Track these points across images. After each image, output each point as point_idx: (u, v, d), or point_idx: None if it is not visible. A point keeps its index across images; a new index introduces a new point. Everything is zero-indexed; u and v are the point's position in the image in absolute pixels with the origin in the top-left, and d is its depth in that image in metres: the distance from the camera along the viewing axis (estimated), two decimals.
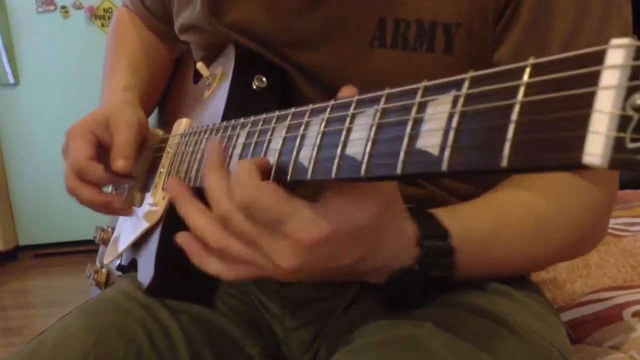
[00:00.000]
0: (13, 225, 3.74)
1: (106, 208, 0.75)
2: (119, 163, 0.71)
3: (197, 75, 0.84)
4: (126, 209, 0.77)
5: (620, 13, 0.60)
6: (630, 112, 0.25)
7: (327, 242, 0.44)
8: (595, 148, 0.25)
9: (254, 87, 0.68)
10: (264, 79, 0.68)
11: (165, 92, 0.97)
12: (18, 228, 3.75)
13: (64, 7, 3.51)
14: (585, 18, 0.58)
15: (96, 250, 0.98)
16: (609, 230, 1.16)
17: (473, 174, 0.33)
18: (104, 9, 3.53)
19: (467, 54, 0.62)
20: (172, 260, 0.73)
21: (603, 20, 0.58)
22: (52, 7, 3.50)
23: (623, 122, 0.25)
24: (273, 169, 0.47)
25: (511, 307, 0.62)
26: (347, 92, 0.44)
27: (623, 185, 1.51)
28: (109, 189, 0.84)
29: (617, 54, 0.26)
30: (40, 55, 3.55)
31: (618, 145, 0.25)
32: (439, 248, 0.51)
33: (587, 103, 0.26)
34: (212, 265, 0.50)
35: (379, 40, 0.63)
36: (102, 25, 3.53)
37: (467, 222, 0.56)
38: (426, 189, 0.67)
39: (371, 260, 0.48)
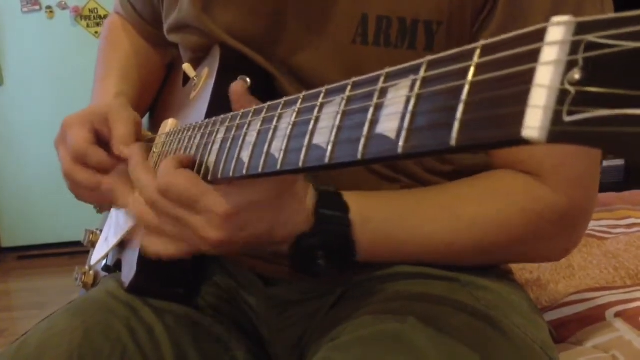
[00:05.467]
0: None
1: (98, 189, 0.73)
2: (121, 149, 0.71)
3: (186, 78, 0.84)
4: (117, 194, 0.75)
5: (594, 3, 0.61)
6: (568, 87, 0.25)
7: (236, 214, 0.53)
8: (534, 122, 0.26)
9: None
10: (247, 79, 0.68)
11: (157, 96, 0.97)
12: (1, 230, 3.72)
13: (49, 7, 3.48)
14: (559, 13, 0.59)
15: (80, 252, 0.98)
16: (592, 233, 1.17)
17: (427, 156, 0.34)
18: (89, 10, 3.51)
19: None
20: (154, 259, 0.73)
21: (577, 13, 0.59)
22: (37, 7, 3.48)
23: (561, 96, 0.25)
24: (246, 163, 0.49)
25: (494, 303, 0.63)
26: (237, 87, 0.55)
27: (605, 188, 1.53)
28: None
29: (557, 30, 0.26)
30: (25, 55, 3.52)
31: (556, 118, 0.25)
32: (335, 217, 0.58)
33: (528, 79, 0.27)
34: (152, 246, 0.58)
35: (361, 37, 0.64)
36: (88, 26, 3.52)
37: (375, 203, 0.62)
38: (402, 183, 0.68)
39: (279, 231, 0.56)
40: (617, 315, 0.83)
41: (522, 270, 1.02)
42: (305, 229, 0.57)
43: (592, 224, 1.22)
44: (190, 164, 0.57)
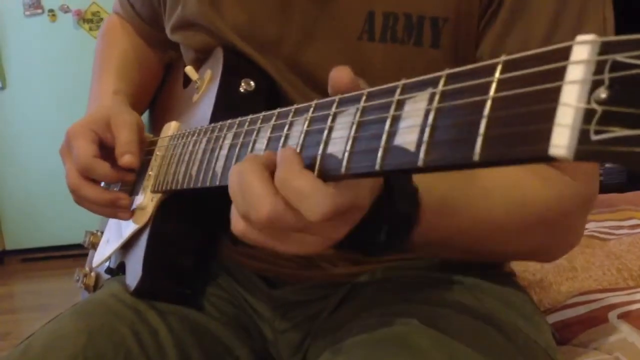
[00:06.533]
0: (0, 230, 3.71)
1: (111, 206, 0.74)
2: (126, 158, 0.71)
3: (187, 80, 0.84)
4: (129, 208, 0.75)
5: (597, 9, 0.61)
6: (594, 106, 0.25)
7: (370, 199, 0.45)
8: (561, 140, 0.26)
9: (242, 90, 0.68)
10: (251, 82, 0.68)
11: (155, 97, 0.97)
12: (5, 232, 3.72)
13: (51, 10, 3.49)
14: (563, 15, 0.59)
15: (83, 255, 0.98)
16: (595, 234, 1.17)
17: (448, 170, 0.34)
18: (91, 13, 3.52)
19: (454, 48, 0.63)
20: (160, 261, 0.73)
21: (580, 16, 0.59)
22: (40, 11, 3.49)
23: (588, 115, 0.26)
24: (317, 163, 0.43)
25: (497, 305, 0.63)
26: (340, 73, 0.44)
27: (608, 189, 1.53)
28: None
29: (582, 49, 0.27)
30: (27, 58, 3.53)
31: (583, 137, 0.26)
32: (404, 185, 0.50)
33: (553, 97, 0.27)
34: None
35: (367, 33, 0.64)
36: (90, 29, 3.52)
37: (433, 178, 0.52)
38: None
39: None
40: (620, 316, 0.83)
41: (525, 272, 1.02)
42: (374, 200, 0.48)
43: (595, 225, 1.22)
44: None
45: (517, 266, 0.98)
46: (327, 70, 0.66)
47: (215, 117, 0.66)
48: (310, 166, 0.43)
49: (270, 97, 0.69)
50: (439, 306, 0.60)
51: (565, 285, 0.97)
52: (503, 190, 0.59)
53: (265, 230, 0.46)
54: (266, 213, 0.44)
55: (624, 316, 0.83)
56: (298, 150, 0.44)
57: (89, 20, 3.52)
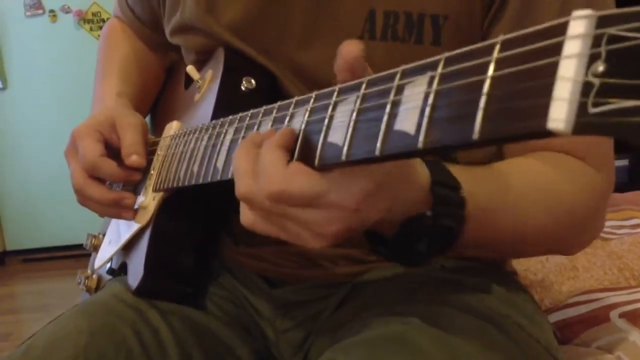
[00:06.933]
0: (1, 230, 3.71)
1: (115, 205, 0.74)
2: (133, 159, 0.71)
3: (188, 81, 0.84)
4: (132, 208, 0.75)
5: (605, 3, 0.61)
6: (592, 79, 0.26)
7: (367, 199, 0.43)
8: (559, 113, 0.26)
9: (243, 88, 0.69)
10: (252, 80, 0.69)
11: (157, 99, 0.97)
12: (6, 233, 3.72)
13: (52, 11, 3.49)
14: (568, 10, 0.59)
15: (84, 255, 0.98)
16: None
17: (448, 150, 0.34)
18: (92, 13, 3.52)
19: (455, 46, 0.62)
20: (161, 260, 0.73)
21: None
22: (41, 11, 3.49)
23: (585, 89, 0.26)
24: (298, 145, 0.44)
25: (498, 304, 0.63)
26: (351, 46, 0.43)
27: None
28: None
29: (579, 24, 0.27)
30: (28, 59, 3.53)
31: (581, 110, 0.26)
32: (451, 197, 0.48)
33: (551, 72, 0.27)
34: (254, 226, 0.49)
35: (369, 32, 0.64)
36: (91, 29, 3.52)
37: (478, 176, 0.54)
38: None
39: (394, 212, 0.46)
40: (622, 316, 0.83)
41: (526, 272, 1.02)
42: (423, 210, 0.47)
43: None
44: (293, 145, 0.46)
45: (519, 265, 0.98)
46: (328, 70, 0.66)
47: (217, 115, 0.66)
48: (311, 155, 0.43)
49: (272, 95, 0.69)
50: (439, 305, 0.60)
51: (567, 284, 0.97)
52: (536, 192, 0.57)
53: (252, 211, 0.47)
54: (242, 191, 0.46)
55: (625, 315, 0.83)
56: (299, 140, 0.44)
57: (89, 20, 3.52)
